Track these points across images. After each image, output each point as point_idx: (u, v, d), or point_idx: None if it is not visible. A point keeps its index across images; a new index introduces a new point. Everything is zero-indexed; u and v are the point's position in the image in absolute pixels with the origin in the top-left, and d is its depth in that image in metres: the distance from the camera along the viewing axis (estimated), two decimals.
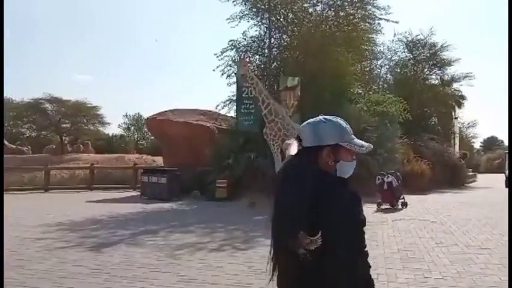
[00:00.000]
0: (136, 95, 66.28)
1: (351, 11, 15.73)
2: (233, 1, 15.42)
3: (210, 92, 42.79)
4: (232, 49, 15.59)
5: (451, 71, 24.07)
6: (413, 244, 6.60)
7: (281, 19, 16.11)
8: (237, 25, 15.62)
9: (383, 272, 4.94)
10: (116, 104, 66.18)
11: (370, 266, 1.55)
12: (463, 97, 26.06)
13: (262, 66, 16.08)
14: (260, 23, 15.88)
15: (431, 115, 24.73)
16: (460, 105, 26.26)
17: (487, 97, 79.49)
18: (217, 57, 15.47)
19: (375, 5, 15.86)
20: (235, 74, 14.38)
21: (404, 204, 11.09)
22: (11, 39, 56.66)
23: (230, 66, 15.48)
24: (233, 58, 15.44)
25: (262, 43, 15.88)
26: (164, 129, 15.60)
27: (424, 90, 23.04)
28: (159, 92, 66.41)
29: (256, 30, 15.99)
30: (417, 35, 23.28)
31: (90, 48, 62.97)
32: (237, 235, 7.55)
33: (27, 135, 35.86)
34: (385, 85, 23.18)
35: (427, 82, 24.13)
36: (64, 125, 29.23)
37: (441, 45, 23.08)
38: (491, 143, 58.77)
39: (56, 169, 19.04)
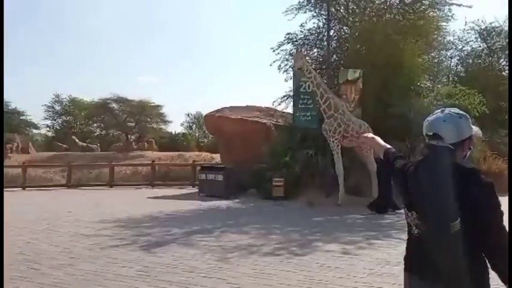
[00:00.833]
0: (198, 94, 67.88)
1: None
2: None
3: (268, 88, 42.33)
4: (289, 42, 15.10)
5: None
6: None
7: (341, 10, 15.30)
8: (294, 17, 15.10)
9: None
10: (178, 103, 68.21)
11: None
12: None
13: (320, 59, 15.41)
14: (319, 15, 15.20)
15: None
16: None
17: None
18: (274, 51, 15.07)
19: None
20: (292, 68, 13.87)
21: None
22: (82, 43, 60.49)
23: (287, 60, 14.99)
24: (290, 52, 14.94)
25: (321, 35, 15.17)
26: (221, 126, 15.48)
27: (500, 82, 20.96)
28: (219, 90, 67.47)
29: (314, 23, 15.34)
30: (491, 23, 21.27)
31: (156, 50, 65.34)
32: (294, 238, 7.07)
33: (97, 133, 38.05)
34: (456, 77, 21.41)
35: (503, 73, 21.94)
36: (129, 124, 30.41)
37: None
38: None
39: (119, 166, 19.75)
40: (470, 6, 15.03)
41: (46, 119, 37.18)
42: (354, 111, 11.93)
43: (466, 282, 1.67)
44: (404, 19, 14.10)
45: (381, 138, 2.29)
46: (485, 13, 28.53)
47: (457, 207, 1.63)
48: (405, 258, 1.95)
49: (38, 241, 6.70)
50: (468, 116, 1.81)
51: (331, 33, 14.33)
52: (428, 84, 16.83)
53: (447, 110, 1.82)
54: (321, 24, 15.17)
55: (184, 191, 15.63)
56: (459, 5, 14.58)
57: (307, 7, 15.04)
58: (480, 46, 21.99)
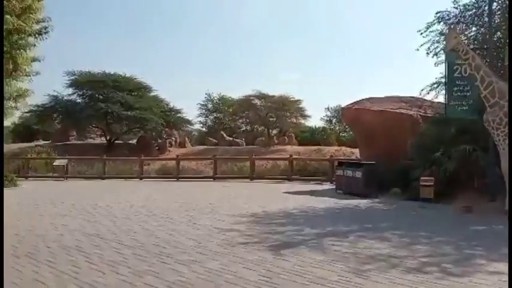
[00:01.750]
0: (338, 88, 66.47)
1: None
2: None
3: (412, 77, 38.54)
4: (439, 22, 13.15)
5: None
6: None
7: None
8: None
9: None
10: (318, 98, 67.83)
11: None
12: None
13: (480, 38, 13.04)
14: None
15: None
16: None
17: None
18: (421, 34, 13.32)
19: None
20: (443, 50, 12.03)
21: None
22: (228, 45, 64.84)
23: (438, 42, 13.10)
24: (441, 32, 13.01)
25: (480, 10, 12.84)
26: (360, 119, 14.43)
27: None
28: (357, 82, 64.80)
29: None
30: None
31: (299, 48, 66.07)
32: (447, 251, 5.88)
33: (243, 128, 40.42)
34: None
35: None
36: (271, 119, 31.26)
37: None
38: None
39: (259, 159, 20.28)
40: None
41: (200, 116, 41.14)
42: None
43: None
44: None
45: None
46: None
47: None
48: None
49: (177, 233, 6.96)
50: None
51: (493, 7, 11.98)
52: None
53: None
54: None
55: (320, 187, 15.12)
56: None
57: None
58: None
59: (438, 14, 13.21)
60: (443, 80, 12.27)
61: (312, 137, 35.24)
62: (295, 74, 64.01)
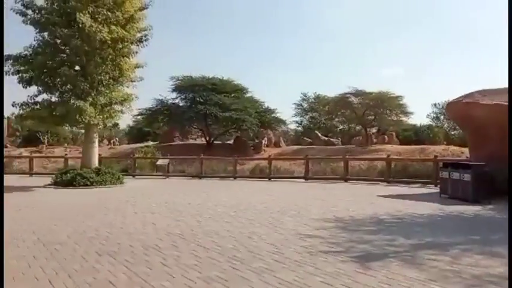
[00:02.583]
0: (445, 83, 60.95)
1: None
2: None
3: None
4: None
5: None
6: None
7: None
8: None
9: None
10: (424, 94, 63.00)
11: None
12: None
13: None
14: None
15: None
16: None
17: None
18: None
19: None
20: None
21: None
22: (321, 44, 63.51)
23: None
24: None
25: None
26: (470, 115, 12.68)
27: None
28: (466, 75, 58.59)
29: None
30: None
31: (402, 43, 62.22)
32: None
33: (340, 127, 39.22)
34: None
35: None
36: (369, 117, 29.71)
37: None
38: None
39: (353, 159, 19.26)
40: None
41: (295, 115, 41.01)
42: None
43: None
44: None
45: None
46: None
47: None
48: None
49: (257, 237, 6.70)
50: None
51: None
52: None
53: None
54: None
55: (422, 190, 13.74)
56: None
57: None
58: None
59: None
60: None
61: (416, 136, 32.74)
62: (398, 69, 60.41)
